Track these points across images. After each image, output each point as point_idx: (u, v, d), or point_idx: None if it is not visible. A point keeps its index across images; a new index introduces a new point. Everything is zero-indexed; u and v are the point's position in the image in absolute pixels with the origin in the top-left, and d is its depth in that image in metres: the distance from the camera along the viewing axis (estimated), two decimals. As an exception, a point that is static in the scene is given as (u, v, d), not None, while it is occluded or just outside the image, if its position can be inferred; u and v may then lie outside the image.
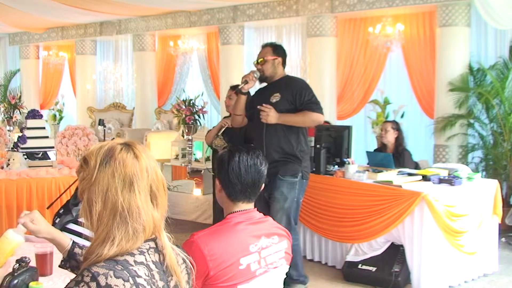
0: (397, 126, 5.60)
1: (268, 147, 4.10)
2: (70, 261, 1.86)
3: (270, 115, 4.04)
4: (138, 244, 1.39)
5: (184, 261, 1.51)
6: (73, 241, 1.88)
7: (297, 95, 4.11)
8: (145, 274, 1.36)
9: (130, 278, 1.31)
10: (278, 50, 4.28)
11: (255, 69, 4.26)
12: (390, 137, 5.54)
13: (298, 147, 4.16)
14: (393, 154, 5.35)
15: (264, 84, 4.35)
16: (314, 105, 4.11)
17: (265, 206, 4.13)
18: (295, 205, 4.14)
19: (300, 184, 4.16)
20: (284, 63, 4.30)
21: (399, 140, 5.56)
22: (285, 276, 4.34)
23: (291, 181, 4.10)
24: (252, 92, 4.41)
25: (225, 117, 5.42)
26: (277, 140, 4.13)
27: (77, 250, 1.86)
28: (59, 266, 1.90)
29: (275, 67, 4.22)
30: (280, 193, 4.09)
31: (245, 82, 4.16)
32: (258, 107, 4.12)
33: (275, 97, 4.15)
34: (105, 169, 1.39)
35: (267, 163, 2.21)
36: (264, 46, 4.34)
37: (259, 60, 4.22)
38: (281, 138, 4.13)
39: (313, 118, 4.11)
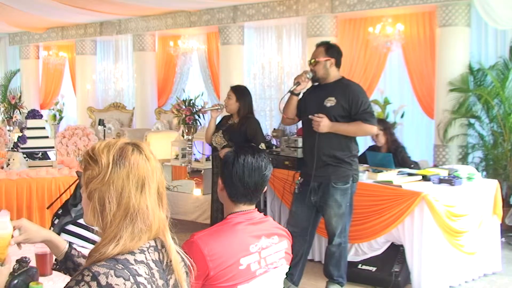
0: (384, 126, 5.42)
1: (319, 152, 3.98)
2: (66, 262, 1.82)
3: (322, 125, 3.93)
4: (141, 244, 1.40)
5: (183, 260, 1.52)
6: (69, 243, 1.85)
7: (353, 103, 3.95)
8: (145, 273, 1.36)
9: (130, 277, 1.31)
10: (331, 50, 4.07)
11: (307, 69, 4.11)
12: (381, 139, 5.42)
13: (349, 153, 4.04)
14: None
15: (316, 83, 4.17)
16: (369, 115, 3.97)
17: (309, 211, 4.11)
18: (348, 209, 4.08)
19: (352, 188, 4.08)
20: (338, 64, 4.09)
21: (391, 138, 5.43)
22: (325, 274, 4.23)
23: (343, 188, 4.01)
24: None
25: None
26: (329, 146, 3.99)
27: (74, 252, 1.83)
28: (53, 269, 1.86)
29: (327, 69, 4.03)
30: (334, 200, 4.01)
31: (297, 83, 4.04)
32: (310, 116, 3.99)
33: (330, 101, 3.99)
34: (119, 170, 1.39)
35: (271, 166, 2.19)
36: (318, 46, 4.13)
37: (311, 61, 4.07)
38: (333, 145, 4.00)
39: (366, 129, 4.00)
